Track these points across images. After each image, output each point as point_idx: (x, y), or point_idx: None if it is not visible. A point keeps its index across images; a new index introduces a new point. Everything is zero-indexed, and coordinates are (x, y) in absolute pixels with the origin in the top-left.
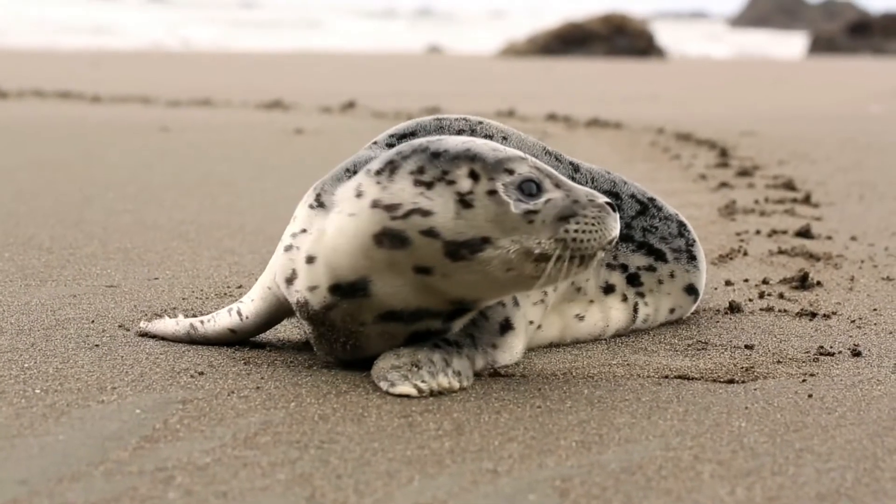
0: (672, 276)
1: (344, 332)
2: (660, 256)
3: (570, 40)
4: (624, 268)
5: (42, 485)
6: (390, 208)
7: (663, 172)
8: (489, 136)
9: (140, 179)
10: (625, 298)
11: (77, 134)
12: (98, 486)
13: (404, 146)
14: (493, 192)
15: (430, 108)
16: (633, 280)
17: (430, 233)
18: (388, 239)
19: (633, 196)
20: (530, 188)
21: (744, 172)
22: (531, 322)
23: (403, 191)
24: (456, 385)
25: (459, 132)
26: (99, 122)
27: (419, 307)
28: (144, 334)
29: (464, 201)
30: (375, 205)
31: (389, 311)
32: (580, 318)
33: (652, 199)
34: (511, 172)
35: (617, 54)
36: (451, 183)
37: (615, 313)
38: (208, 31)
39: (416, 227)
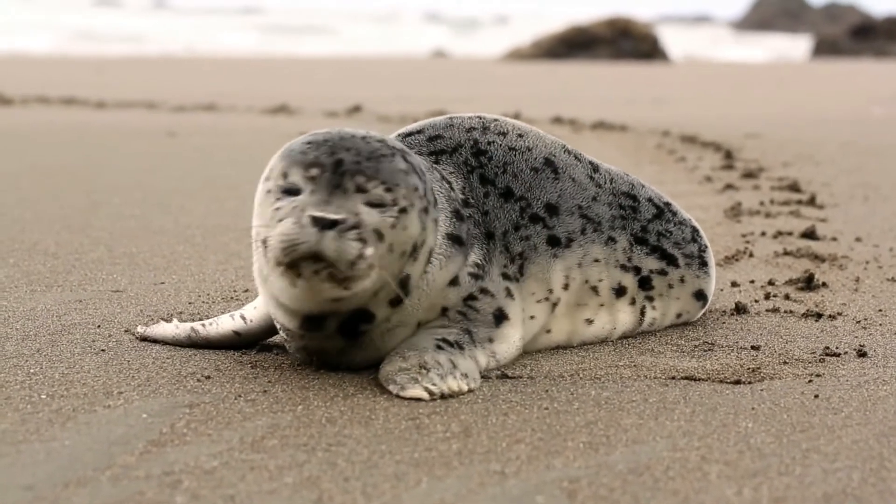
0: (682, 280)
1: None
2: (672, 261)
3: (575, 44)
4: (637, 270)
5: (48, 490)
6: None
7: (669, 174)
8: (503, 133)
9: (146, 184)
10: (633, 302)
11: (82, 139)
12: (105, 491)
13: None
14: (269, 191)
15: (435, 111)
16: (644, 283)
17: None
18: None
19: (650, 199)
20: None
21: (749, 174)
22: (532, 317)
23: None
24: (465, 387)
25: (470, 130)
26: (104, 127)
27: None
28: (144, 339)
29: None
30: None
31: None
32: (589, 321)
33: (668, 204)
34: (286, 177)
35: (621, 58)
36: (266, 179)
37: (622, 316)
38: (212, 36)
39: None
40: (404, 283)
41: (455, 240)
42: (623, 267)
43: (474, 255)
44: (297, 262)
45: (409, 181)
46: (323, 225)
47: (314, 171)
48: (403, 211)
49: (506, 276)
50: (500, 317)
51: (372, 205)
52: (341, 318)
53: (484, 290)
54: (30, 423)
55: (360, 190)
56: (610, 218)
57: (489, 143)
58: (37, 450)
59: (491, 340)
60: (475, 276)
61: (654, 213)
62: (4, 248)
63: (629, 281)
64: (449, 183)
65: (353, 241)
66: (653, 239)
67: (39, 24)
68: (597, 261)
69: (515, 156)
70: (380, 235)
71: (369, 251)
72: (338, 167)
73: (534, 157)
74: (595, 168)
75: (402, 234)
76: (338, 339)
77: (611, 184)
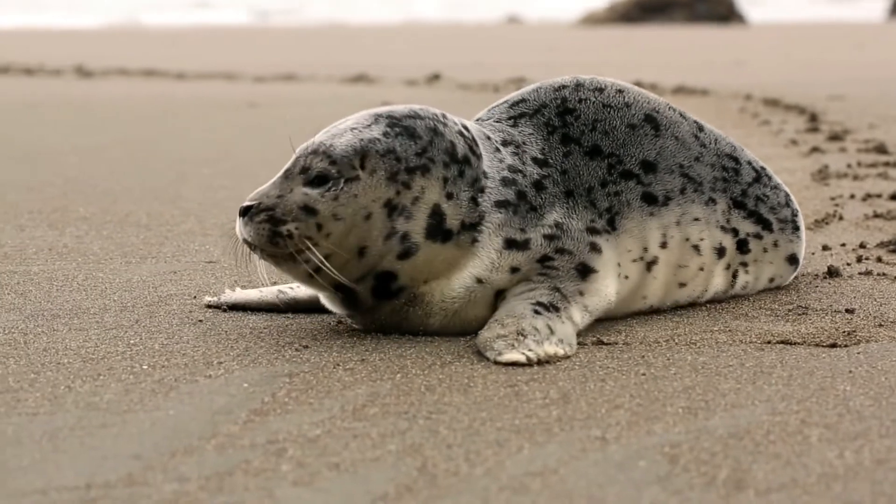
0: (776, 245)
1: None
2: (767, 225)
3: (650, 7)
4: (735, 232)
5: (156, 459)
6: None
7: (754, 138)
8: (600, 90)
9: (232, 155)
10: (728, 266)
11: (165, 111)
12: (211, 460)
13: None
14: None
15: (514, 79)
16: (741, 246)
17: None
18: None
19: (749, 163)
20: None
21: (834, 137)
22: (626, 277)
23: None
24: (561, 352)
25: (560, 89)
26: (186, 98)
27: None
28: (230, 307)
29: None
30: None
31: None
32: (682, 284)
33: (763, 168)
34: None
35: (697, 21)
36: None
37: (715, 280)
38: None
39: None
40: (404, 238)
41: (503, 205)
42: (723, 228)
43: (550, 216)
44: (251, 250)
45: (374, 148)
46: (241, 213)
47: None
48: (351, 180)
49: (593, 231)
50: (586, 270)
51: (315, 182)
52: (369, 285)
53: (560, 250)
54: (133, 393)
55: (304, 170)
56: (712, 179)
57: (580, 101)
58: (142, 419)
59: (582, 294)
60: (549, 238)
61: (752, 177)
62: (98, 220)
63: (728, 242)
64: (505, 149)
65: (262, 223)
66: (751, 203)
67: None
68: (697, 220)
69: (609, 112)
70: (310, 210)
71: (287, 227)
72: (302, 153)
73: (632, 113)
74: (700, 128)
75: (352, 202)
76: (386, 305)
77: (715, 144)
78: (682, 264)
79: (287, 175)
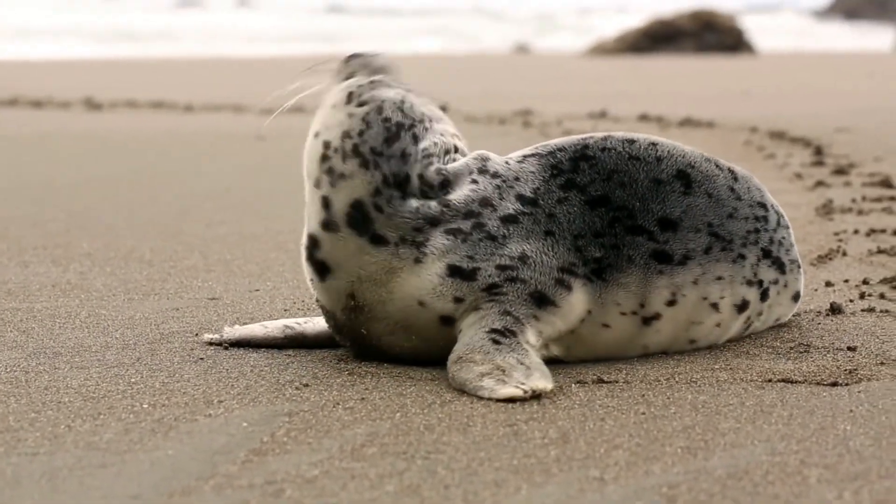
0: (786, 286)
1: None
2: (782, 269)
3: (659, 38)
4: (760, 284)
5: (154, 499)
6: None
7: (759, 172)
8: (631, 141)
9: (236, 189)
10: (748, 319)
11: (172, 144)
12: (209, 501)
13: None
14: None
15: (521, 110)
16: (764, 295)
17: None
18: None
19: (773, 206)
20: None
21: (840, 170)
22: (607, 326)
23: None
24: (549, 386)
25: (588, 137)
26: (193, 131)
27: None
28: (234, 343)
29: None
30: None
31: None
32: (692, 341)
33: (775, 206)
34: None
35: (706, 51)
36: None
37: (729, 334)
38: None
39: None
40: (327, 205)
41: (453, 232)
42: (748, 283)
43: (515, 248)
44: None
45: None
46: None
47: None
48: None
49: (569, 272)
50: (543, 300)
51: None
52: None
53: (512, 279)
54: (133, 432)
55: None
56: (744, 234)
57: (602, 150)
58: (141, 459)
59: (537, 318)
60: (503, 268)
61: (776, 221)
62: (101, 256)
63: (753, 295)
64: (487, 179)
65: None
66: (775, 250)
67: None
68: (720, 279)
69: (634, 164)
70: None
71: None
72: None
73: (661, 168)
74: (735, 177)
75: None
76: (325, 285)
77: (748, 194)
78: (696, 321)
79: None
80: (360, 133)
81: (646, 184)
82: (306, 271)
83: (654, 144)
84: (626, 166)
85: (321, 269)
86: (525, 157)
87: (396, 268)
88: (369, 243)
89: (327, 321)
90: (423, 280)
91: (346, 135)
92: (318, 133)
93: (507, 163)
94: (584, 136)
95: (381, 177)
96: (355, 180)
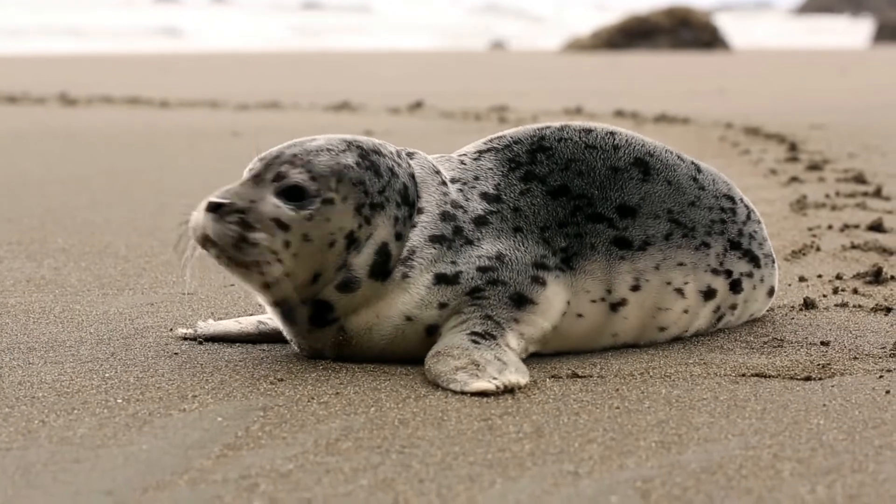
0: (762, 280)
1: None
2: (756, 262)
3: (635, 34)
4: (728, 273)
5: (128, 495)
6: None
7: (734, 168)
8: (588, 131)
9: (212, 185)
10: (717, 308)
11: (148, 141)
12: (183, 496)
13: None
14: None
15: (497, 106)
16: (734, 286)
17: None
18: None
19: (741, 200)
20: None
21: (814, 166)
22: (580, 315)
23: None
24: (522, 381)
25: (544, 128)
26: (169, 127)
27: None
28: (206, 338)
29: None
30: None
31: None
32: (662, 329)
33: (743, 199)
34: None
35: (681, 47)
36: None
37: (699, 322)
38: (271, 32)
39: None
40: (350, 272)
41: (437, 240)
42: (714, 271)
43: (491, 248)
44: (204, 246)
45: (349, 175)
46: (209, 209)
47: (253, 164)
48: (328, 202)
49: (541, 266)
50: (522, 300)
51: (287, 193)
52: (307, 311)
53: (493, 281)
54: (107, 427)
55: (279, 178)
56: (708, 223)
57: (559, 140)
58: (115, 454)
59: (517, 321)
60: (484, 269)
61: (746, 215)
62: (76, 252)
63: (720, 284)
64: (452, 184)
65: (231, 224)
66: (745, 242)
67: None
68: (681, 265)
69: (591, 153)
70: (282, 225)
71: (257, 236)
72: (273, 159)
73: (618, 156)
74: (698, 169)
75: (323, 225)
76: (319, 333)
77: (714, 185)
78: (663, 307)
79: (257, 179)
80: (370, 182)
81: (603, 172)
82: (294, 329)
83: (611, 133)
84: (583, 155)
85: (324, 322)
86: (480, 152)
87: (388, 290)
88: (381, 282)
89: (304, 354)
90: (412, 295)
91: (364, 193)
92: None
93: (462, 162)
94: (539, 125)
95: (395, 205)
96: (381, 227)
